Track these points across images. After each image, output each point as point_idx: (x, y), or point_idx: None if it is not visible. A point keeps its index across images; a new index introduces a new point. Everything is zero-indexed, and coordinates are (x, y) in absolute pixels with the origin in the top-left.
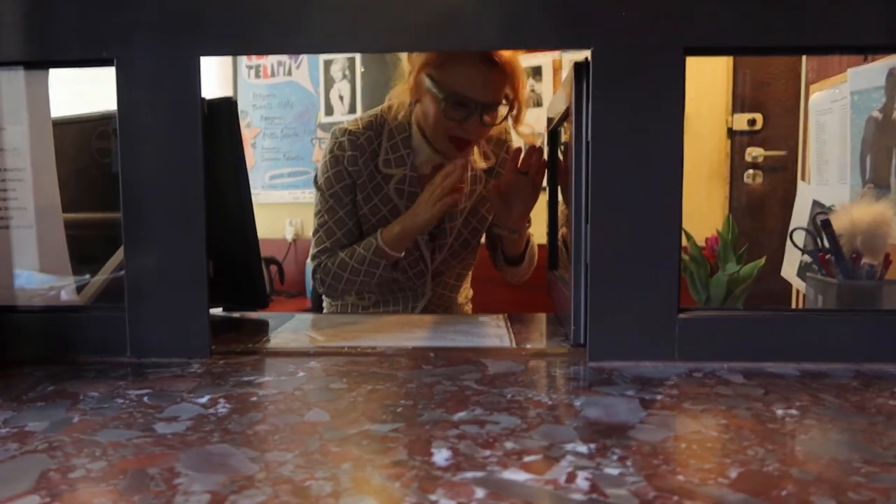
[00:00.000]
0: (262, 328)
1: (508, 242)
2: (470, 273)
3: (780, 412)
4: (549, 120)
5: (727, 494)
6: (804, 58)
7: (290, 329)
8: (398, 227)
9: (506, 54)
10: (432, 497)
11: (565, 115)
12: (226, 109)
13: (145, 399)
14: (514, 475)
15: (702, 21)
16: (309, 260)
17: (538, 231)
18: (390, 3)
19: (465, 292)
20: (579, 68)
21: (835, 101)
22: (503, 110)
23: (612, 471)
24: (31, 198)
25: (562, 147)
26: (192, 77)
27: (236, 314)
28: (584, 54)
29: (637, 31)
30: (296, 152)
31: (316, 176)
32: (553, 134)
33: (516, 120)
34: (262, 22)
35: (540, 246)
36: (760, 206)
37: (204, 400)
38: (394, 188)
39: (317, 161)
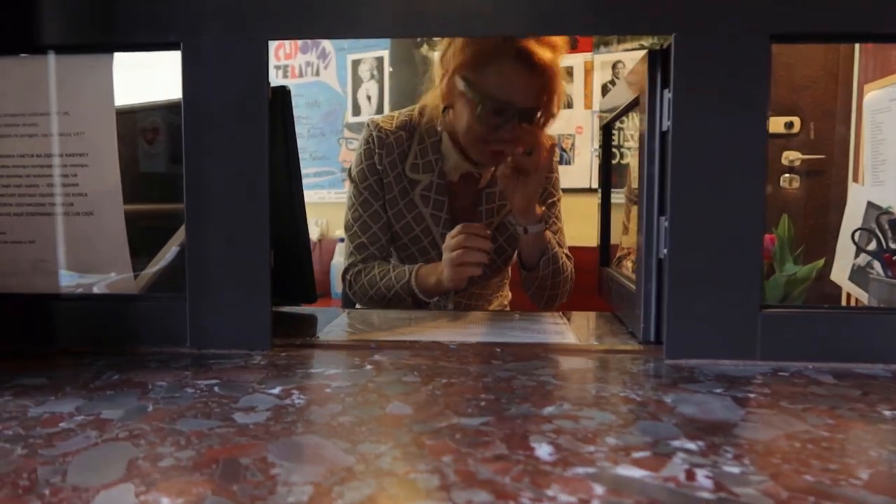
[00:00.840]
0: (311, 322)
1: (522, 243)
2: (505, 282)
3: (887, 413)
4: (602, 117)
5: (866, 496)
6: (857, 57)
7: (341, 324)
8: (434, 279)
9: (546, 56)
10: (549, 493)
11: (626, 109)
12: (280, 98)
13: (216, 389)
14: (629, 471)
15: (789, 6)
16: (344, 259)
17: (588, 233)
18: None
19: (500, 300)
20: (654, 57)
21: (892, 100)
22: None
23: (733, 469)
24: (91, 184)
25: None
26: (260, 62)
27: (282, 308)
28: (614, 56)
29: (721, 18)
30: (322, 152)
31: (350, 168)
32: (607, 129)
33: (543, 126)
34: (331, 4)
35: (582, 248)
36: (797, 211)
37: (276, 391)
38: (420, 194)
39: (343, 161)
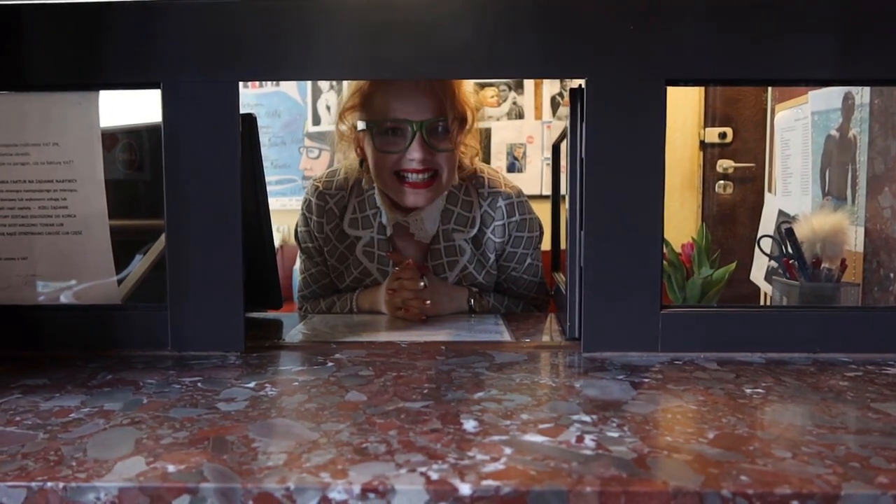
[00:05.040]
0: (276, 327)
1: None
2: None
3: (748, 391)
4: (552, 130)
5: (706, 449)
6: None
7: (304, 328)
8: (367, 306)
9: None
10: (469, 454)
11: (563, 136)
12: (247, 123)
13: (199, 385)
14: (533, 438)
15: (680, 56)
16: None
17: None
18: (406, 35)
19: None
20: (574, 93)
21: (798, 120)
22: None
23: (613, 434)
24: (80, 206)
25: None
26: (231, 99)
27: (250, 315)
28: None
29: (625, 64)
30: (283, 161)
31: (297, 224)
32: (556, 148)
33: (460, 133)
34: (295, 50)
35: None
36: (731, 215)
37: (252, 385)
38: (362, 250)
39: (304, 169)
